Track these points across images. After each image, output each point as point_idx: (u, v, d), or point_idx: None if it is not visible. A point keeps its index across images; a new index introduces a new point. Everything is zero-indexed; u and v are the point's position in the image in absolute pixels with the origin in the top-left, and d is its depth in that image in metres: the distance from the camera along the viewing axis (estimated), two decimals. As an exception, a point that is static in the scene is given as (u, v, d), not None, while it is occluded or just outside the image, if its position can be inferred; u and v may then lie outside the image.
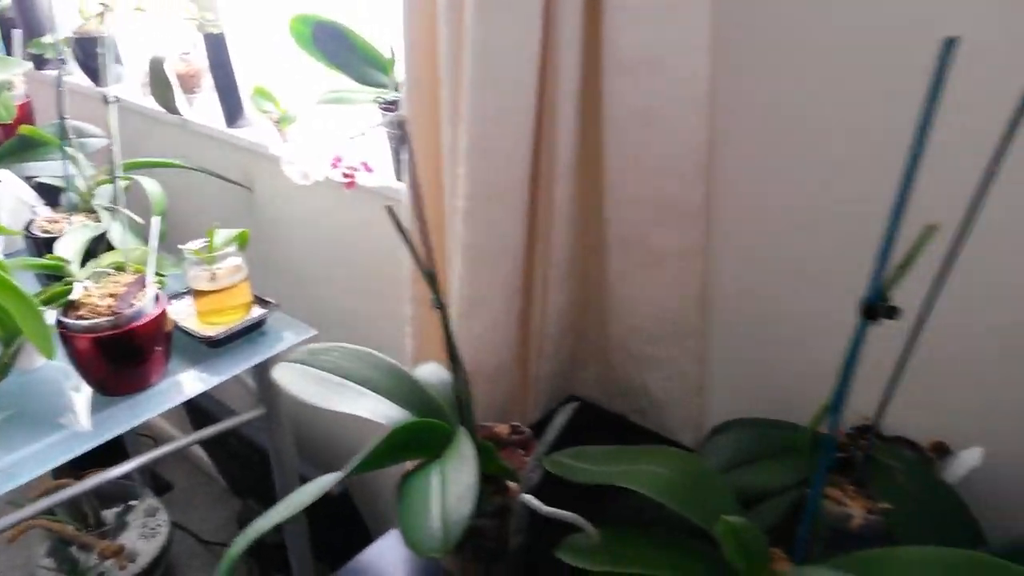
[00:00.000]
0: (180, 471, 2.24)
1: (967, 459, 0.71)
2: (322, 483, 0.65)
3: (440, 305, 0.64)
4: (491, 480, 0.76)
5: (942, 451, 0.75)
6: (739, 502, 0.70)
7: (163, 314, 1.10)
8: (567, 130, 0.83)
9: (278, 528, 1.64)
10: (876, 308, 0.45)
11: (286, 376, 0.84)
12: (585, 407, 1.09)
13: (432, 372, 0.87)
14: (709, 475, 0.67)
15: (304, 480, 1.56)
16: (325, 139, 1.21)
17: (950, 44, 0.38)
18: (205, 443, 1.91)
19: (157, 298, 1.10)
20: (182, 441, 1.22)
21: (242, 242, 1.26)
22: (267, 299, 1.28)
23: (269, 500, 1.45)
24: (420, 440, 0.70)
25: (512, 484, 0.73)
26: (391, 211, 0.59)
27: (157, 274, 1.23)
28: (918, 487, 0.69)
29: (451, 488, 0.62)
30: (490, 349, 0.90)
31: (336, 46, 1.10)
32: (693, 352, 0.94)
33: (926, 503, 0.68)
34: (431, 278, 0.63)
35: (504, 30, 0.76)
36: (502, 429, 0.82)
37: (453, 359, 0.68)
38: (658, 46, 0.78)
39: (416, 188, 0.61)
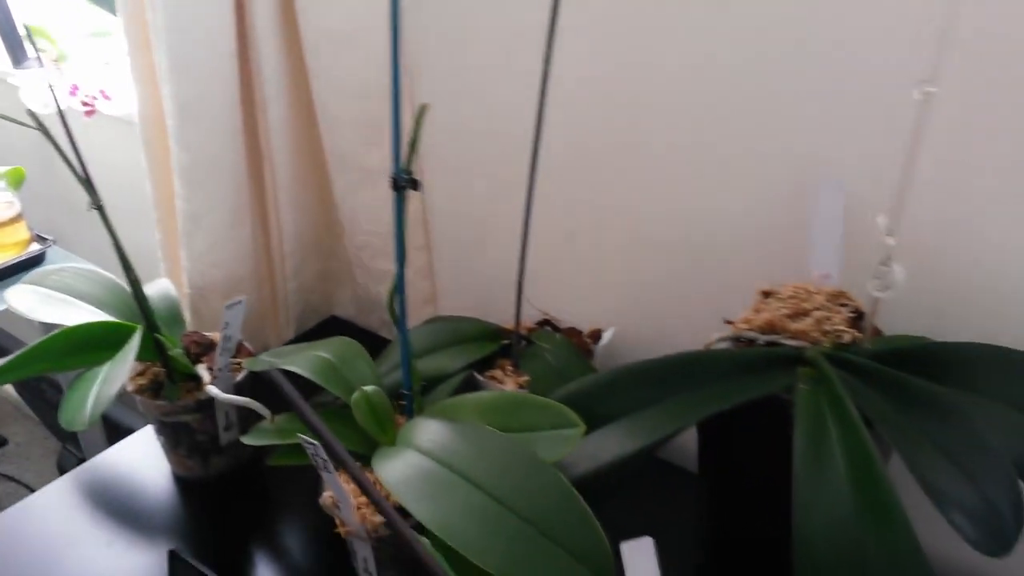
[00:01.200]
0: (17, 428, 2.22)
1: (604, 338, 0.82)
2: None
3: (97, 207, 0.69)
4: (191, 378, 0.82)
5: (596, 336, 0.85)
6: (424, 382, 0.78)
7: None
8: (270, 53, 0.88)
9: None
10: (399, 181, 0.53)
11: (16, 296, 0.88)
12: (344, 325, 1.17)
13: (159, 287, 0.92)
14: (361, 358, 0.74)
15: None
16: (69, 69, 1.22)
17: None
18: (26, 395, 1.91)
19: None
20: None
21: (14, 179, 1.27)
22: (45, 236, 1.29)
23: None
24: (102, 341, 0.75)
25: (206, 380, 0.80)
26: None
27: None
28: (560, 364, 0.79)
29: (110, 376, 0.68)
30: (217, 265, 0.95)
31: (85, -21, 1.11)
32: (418, 265, 1.02)
33: (564, 375, 0.78)
34: (85, 183, 0.68)
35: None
36: (215, 336, 0.88)
37: (124, 264, 0.73)
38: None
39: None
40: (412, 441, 0.63)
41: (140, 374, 0.83)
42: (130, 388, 0.81)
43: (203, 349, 0.86)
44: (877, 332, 0.64)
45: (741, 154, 0.71)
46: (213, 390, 0.77)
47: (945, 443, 0.53)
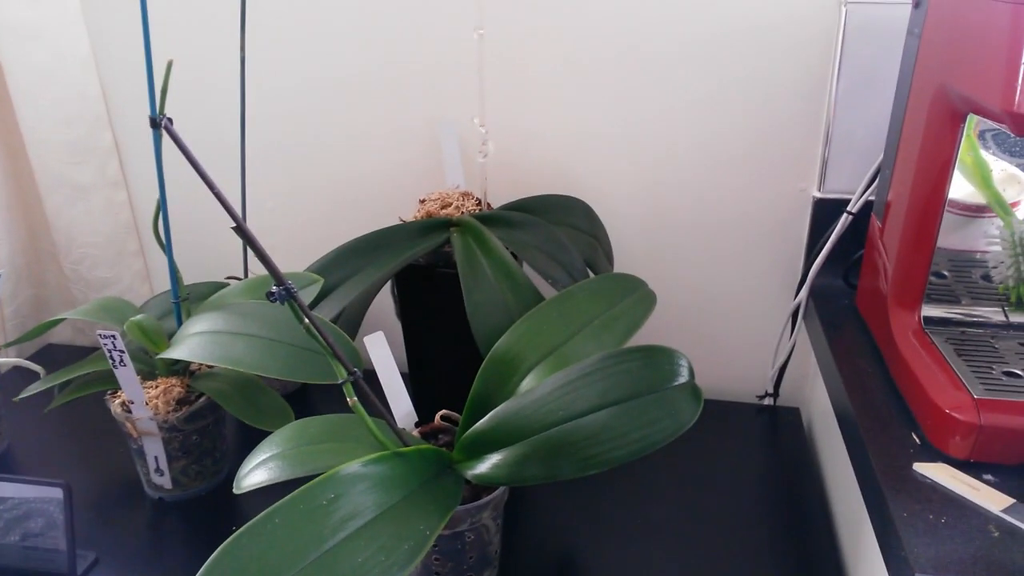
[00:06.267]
0: None
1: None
2: None
3: None
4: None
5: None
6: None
7: None
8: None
9: None
10: (155, 120, 0.74)
11: None
12: (64, 348, 1.25)
13: None
14: (128, 306, 0.91)
15: None
16: None
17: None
18: None
19: None
20: None
21: None
22: None
23: None
24: None
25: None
26: None
27: None
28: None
29: None
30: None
31: None
32: (136, 269, 1.17)
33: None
34: None
35: None
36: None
37: None
38: (35, 22, 1.00)
39: None
40: (190, 331, 0.81)
41: None
42: None
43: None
44: (490, 207, 0.98)
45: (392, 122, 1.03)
46: None
47: (543, 247, 0.88)
